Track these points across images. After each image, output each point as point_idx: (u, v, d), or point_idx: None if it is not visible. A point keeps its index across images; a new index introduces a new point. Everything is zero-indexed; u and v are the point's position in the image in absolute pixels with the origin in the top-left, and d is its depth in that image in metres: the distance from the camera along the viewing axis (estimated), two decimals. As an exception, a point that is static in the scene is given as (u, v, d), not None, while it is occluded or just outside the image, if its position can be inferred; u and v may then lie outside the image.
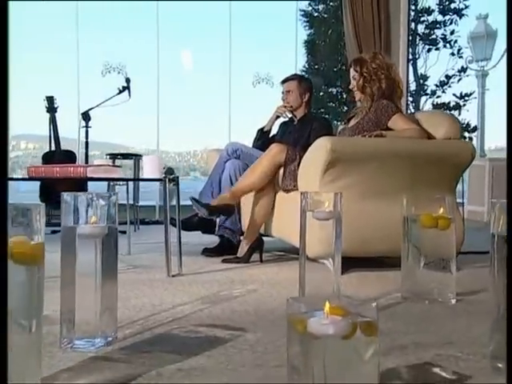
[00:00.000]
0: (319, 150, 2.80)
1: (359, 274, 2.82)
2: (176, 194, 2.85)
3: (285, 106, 3.82)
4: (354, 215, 2.66)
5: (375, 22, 6.02)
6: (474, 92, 9.92)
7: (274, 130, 3.98)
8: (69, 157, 4.97)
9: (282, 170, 3.17)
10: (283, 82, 3.87)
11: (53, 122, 4.95)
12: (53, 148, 5.10)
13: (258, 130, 3.91)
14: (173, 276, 2.70)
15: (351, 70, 3.35)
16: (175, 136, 8.89)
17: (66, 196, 1.55)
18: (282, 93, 3.85)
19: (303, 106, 3.82)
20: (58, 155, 4.89)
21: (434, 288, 2.20)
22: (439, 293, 2.20)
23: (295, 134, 3.72)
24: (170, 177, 2.71)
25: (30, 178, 2.78)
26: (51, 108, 4.93)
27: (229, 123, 7.33)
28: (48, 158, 5.00)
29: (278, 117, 3.89)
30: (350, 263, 2.62)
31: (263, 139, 3.83)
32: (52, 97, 4.96)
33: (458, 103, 9.62)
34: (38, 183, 4.93)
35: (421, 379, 1.33)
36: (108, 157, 4.99)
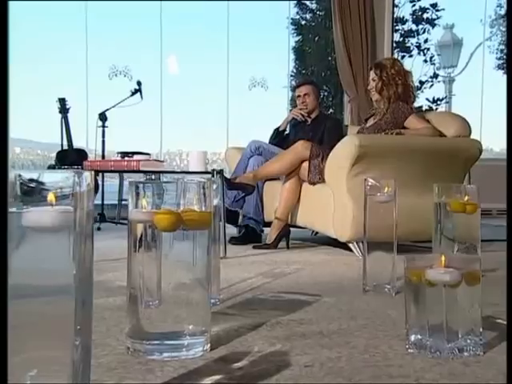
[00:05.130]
0: (347, 145, 3.12)
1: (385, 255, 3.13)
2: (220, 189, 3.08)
3: (301, 109, 4.11)
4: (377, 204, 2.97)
5: (362, 29, 6.40)
6: (446, 97, 10.42)
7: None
8: (81, 155, 5.17)
9: (306, 165, 3.47)
10: (298, 86, 4.18)
11: (65, 122, 5.17)
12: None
13: (274, 130, 4.21)
14: (220, 258, 2.97)
15: (371, 73, 3.66)
16: (174, 138, 9.05)
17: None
18: (299, 96, 4.14)
19: (317, 107, 4.14)
20: (70, 154, 5.11)
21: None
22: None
23: (309, 133, 4.03)
24: (217, 170, 2.97)
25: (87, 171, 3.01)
26: (63, 109, 5.15)
27: (227, 125, 7.61)
28: (61, 156, 5.20)
29: (293, 118, 4.19)
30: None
31: (279, 137, 4.14)
32: (64, 98, 5.18)
33: (430, 107, 10.08)
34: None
35: (490, 327, 1.58)
36: (119, 155, 5.18)
